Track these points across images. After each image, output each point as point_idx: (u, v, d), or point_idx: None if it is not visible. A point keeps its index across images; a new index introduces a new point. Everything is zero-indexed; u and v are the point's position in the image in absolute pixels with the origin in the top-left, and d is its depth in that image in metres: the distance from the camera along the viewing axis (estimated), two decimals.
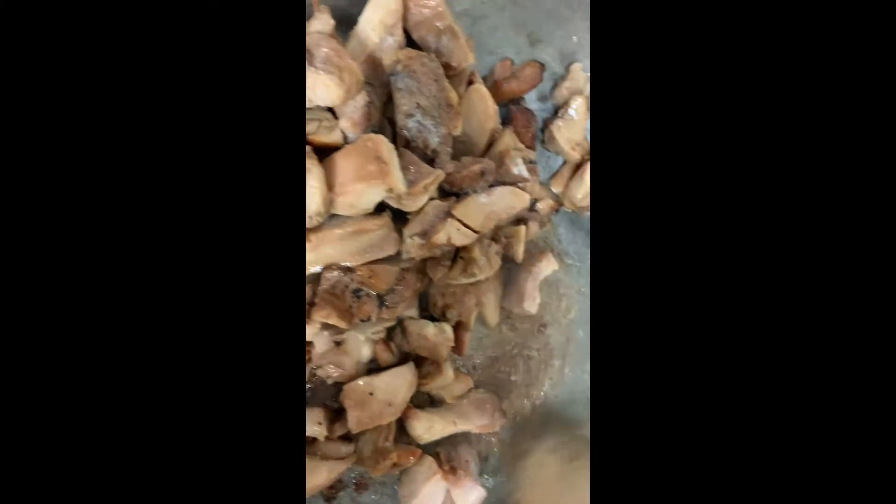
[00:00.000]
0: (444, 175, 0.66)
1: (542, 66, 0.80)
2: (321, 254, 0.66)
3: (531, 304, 0.80)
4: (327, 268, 0.67)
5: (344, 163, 0.63)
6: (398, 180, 0.63)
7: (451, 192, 0.71)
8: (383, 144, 0.63)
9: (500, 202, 0.71)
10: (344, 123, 0.66)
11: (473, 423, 0.76)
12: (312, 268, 0.67)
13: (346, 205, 0.65)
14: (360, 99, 0.66)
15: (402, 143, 0.69)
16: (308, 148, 0.63)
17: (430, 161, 0.69)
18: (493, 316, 0.81)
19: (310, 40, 0.62)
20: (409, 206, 0.66)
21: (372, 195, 0.64)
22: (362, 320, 0.67)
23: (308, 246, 0.64)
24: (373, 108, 0.67)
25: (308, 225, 0.63)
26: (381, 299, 0.68)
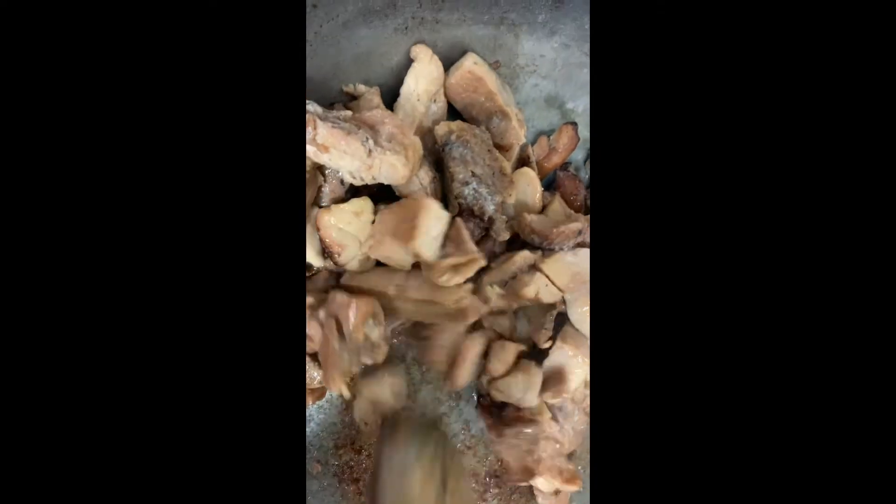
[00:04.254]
0: (483, 263, 0.65)
1: (575, 126, 0.81)
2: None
3: None
4: None
5: (389, 215, 0.64)
6: (423, 246, 0.62)
7: (537, 247, 0.70)
8: (425, 210, 0.63)
9: (586, 264, 0.69)
10: None
11: None
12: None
13: (382, 256, 0.65)
14: (425, 175, 0.66)
15: (455, 211, 0.69)
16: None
17: (486, 229, 0.68)
18: None
19: (372, 116, 0.63)
20: (433, 277, 0.64)
21: (402, 253, 0.64)
22: None
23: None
24: (437, 183, 0.67)
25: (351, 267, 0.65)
26: None
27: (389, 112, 0.65)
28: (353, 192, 0.70)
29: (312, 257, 0.68)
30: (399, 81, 0.74)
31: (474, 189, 0.67)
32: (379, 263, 0.69)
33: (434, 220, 0.64)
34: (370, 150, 0.62)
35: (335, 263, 0.67)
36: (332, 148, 0.62)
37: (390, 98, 0.74)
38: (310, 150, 0.63)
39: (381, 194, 0.71)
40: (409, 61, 0.74)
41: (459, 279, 0.65)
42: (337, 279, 0.72)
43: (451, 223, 0.65)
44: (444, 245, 0.65)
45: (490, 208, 0.68)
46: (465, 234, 0.65)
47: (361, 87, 0.72)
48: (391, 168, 0.63)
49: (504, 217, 0.69)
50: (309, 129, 0.61)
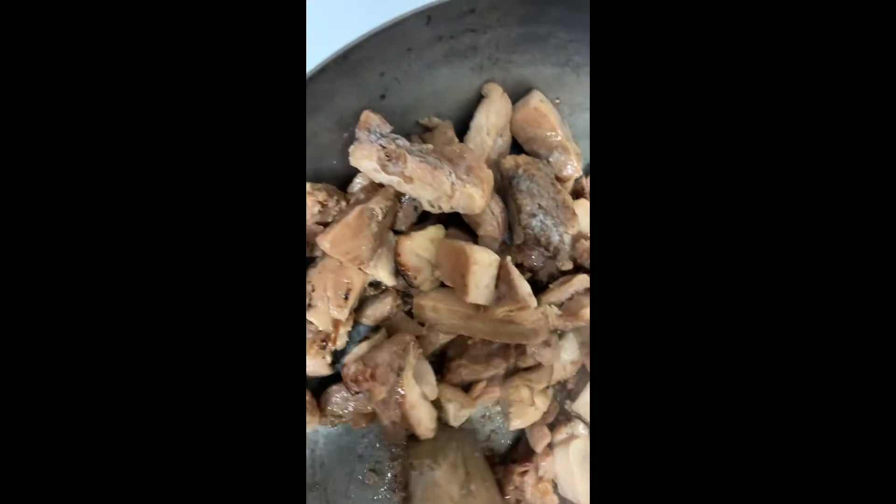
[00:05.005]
0: (534, 306, 0.70)
1: None
2: None
3: None
4: None
5: (445, 257, 0.71)
6: (478, 299, 0.70)
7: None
8: (472, 267, 0.68)
9: None
10: (487, 230, 0.70)
11: None
12: None
13: None
14: (496, 206, 0.71)
15: (521, 240, 0.73)
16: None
17: (552, 258, 0.73)
18: None
19: (451, 151, 0.68)
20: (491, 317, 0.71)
21: None
22: None
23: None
24: (504, 213, 0.72)
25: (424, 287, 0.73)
26: None
27: (467, 147, 0.70)
28: (422, 214, 0.75)
29: (385, 277, 0.73)
30: (467, 114, 0.79)
31: (541, 221, 0.72)
32: None
33: (483, 272, 0.68)
34: (452, 183, 0.67)
35: (411, 286, 0.72)
36: (418, 180, 0.67)
37: (459, 130, 0.79)
38: (394, 180, 0.68)
39: (451, 218, 0.76)
40: (478, 96, 0.79)
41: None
42: (404, 298, 0.77)
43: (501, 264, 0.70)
44: (497, 286, 0.70)
45: (555, 238, 0.73)
46: (515, 277, 0.69)
47: (436, 120, 0.77)
48: (469, 199, 0.68)
49: (567, 247, 0.74)
50: (399, 163, 0.66)
